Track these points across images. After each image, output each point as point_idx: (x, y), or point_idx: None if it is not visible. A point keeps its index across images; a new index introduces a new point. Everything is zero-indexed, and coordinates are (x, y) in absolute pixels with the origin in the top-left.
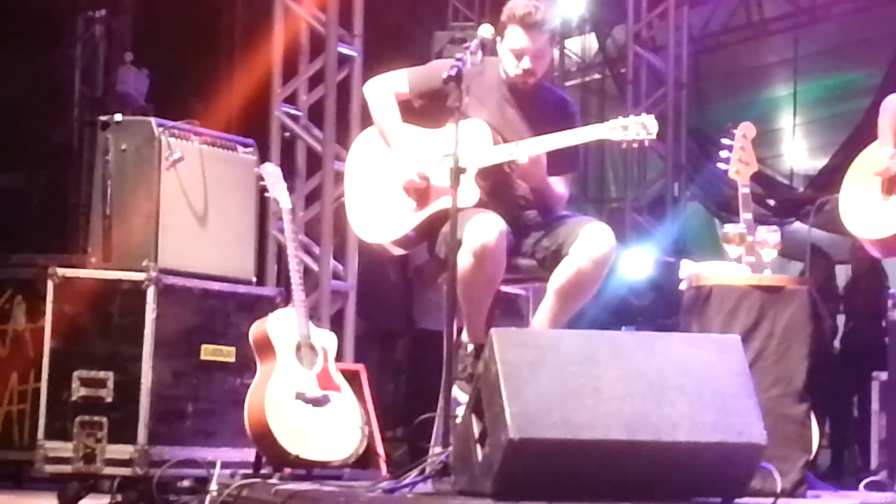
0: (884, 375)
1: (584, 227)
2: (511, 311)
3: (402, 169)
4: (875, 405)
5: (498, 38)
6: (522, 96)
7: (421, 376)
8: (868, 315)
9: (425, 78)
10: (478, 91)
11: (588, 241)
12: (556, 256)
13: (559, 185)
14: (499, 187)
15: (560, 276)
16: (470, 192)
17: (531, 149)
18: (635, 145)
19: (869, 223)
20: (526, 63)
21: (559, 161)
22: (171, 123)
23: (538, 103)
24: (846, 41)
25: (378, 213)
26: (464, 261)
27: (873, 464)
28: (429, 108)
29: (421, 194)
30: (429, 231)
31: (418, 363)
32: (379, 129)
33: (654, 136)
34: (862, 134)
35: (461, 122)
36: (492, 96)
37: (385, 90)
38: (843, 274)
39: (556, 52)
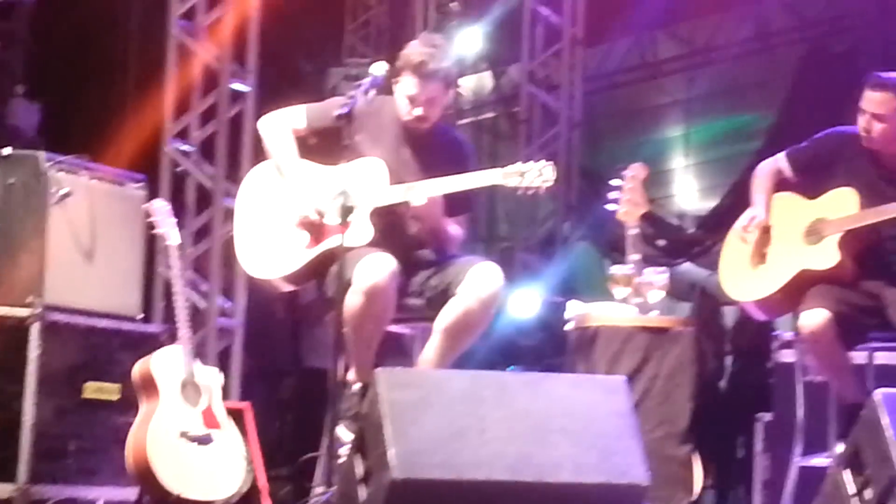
0: (768, 416)
1: (473, 266)
2: (398, 351)
3: (300, 206)
4: (759, 446)
5: (394, 81)
6: (417, 137)
7: (307, 415)
8: (754, 356)
9: (321, 114)
10: (373, 129)
11: (476, 281)
12: (444, 296)
13: (454, 226)
14: (391, 227)
15: (448, 316)
16: (363, 230)
17: (426, 191)
18: (531, 192)
19: (746, 287)
20: (418, 111)
21: (454, 202)
22: (60, 158)
23: (433, 144)
24: (739, 83)
25: (269, 249)
26: (353, 300)
27: None
28: (324, 144)
29: (314, 231)
30: (319, 268)
31: (305, 401)
32: (276, 165)
33: (550, 184)
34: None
35: (359, 161)
36: (387, 135)
37: (282, 126)
38: (730, 315)
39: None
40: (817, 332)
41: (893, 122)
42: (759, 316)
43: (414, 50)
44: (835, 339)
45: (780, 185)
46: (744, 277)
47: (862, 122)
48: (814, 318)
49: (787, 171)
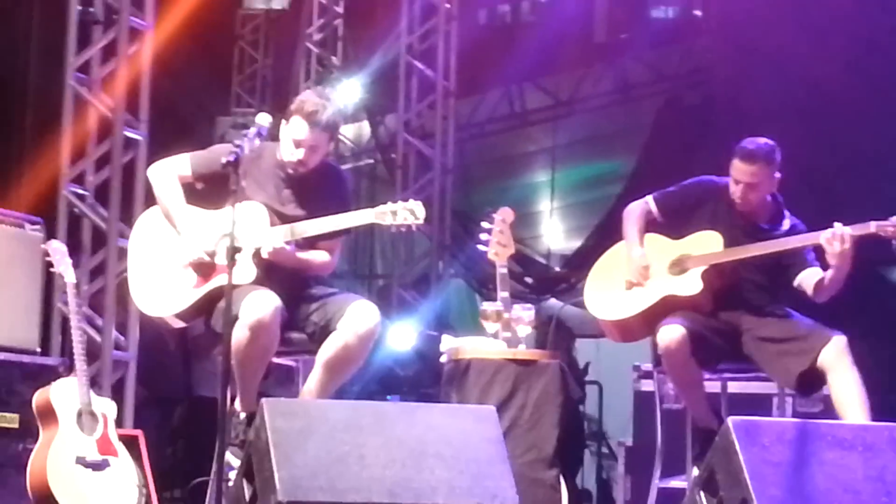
0: (629, 441)
1: (351, 304)
2: (282, 381)
3: (188, 248)
4: (621, 468)
5: (283, 122)
6: (298, 178)
7: (198, 441)
8: None
9: (206, 162)
10: (256, 174)
11: (354, 318)
12: (324, 331)
13: (324, 254)
14: (273, 266)
15: (328, 350)
16: (247, 270)
17: (307, 229)
18: (403, 229)
19: (610, 307)
20: (300, 153)
21: (330, 232)
22: None
23: (313, 180)
24: (600, 132)
25: (160, 289)
26: (240, 334)
27: None
28: (210, 190)
29: (202, 271)
30: (207, 306)
31: (195, 429)
32: (163, 210)
33: (421, 222)
34: (614, 218)
35: (242, 204)
36: (269, 179)
37: (169, 173)
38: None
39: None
40: (672, 346)
41: (764, 188)
42: (616, 338)
43: (308, 98)
44: (689, 354)
45: (647, 224)
46: (608, 299)
47: (737, 191)
48: (671, 332)
49: (655, 212)
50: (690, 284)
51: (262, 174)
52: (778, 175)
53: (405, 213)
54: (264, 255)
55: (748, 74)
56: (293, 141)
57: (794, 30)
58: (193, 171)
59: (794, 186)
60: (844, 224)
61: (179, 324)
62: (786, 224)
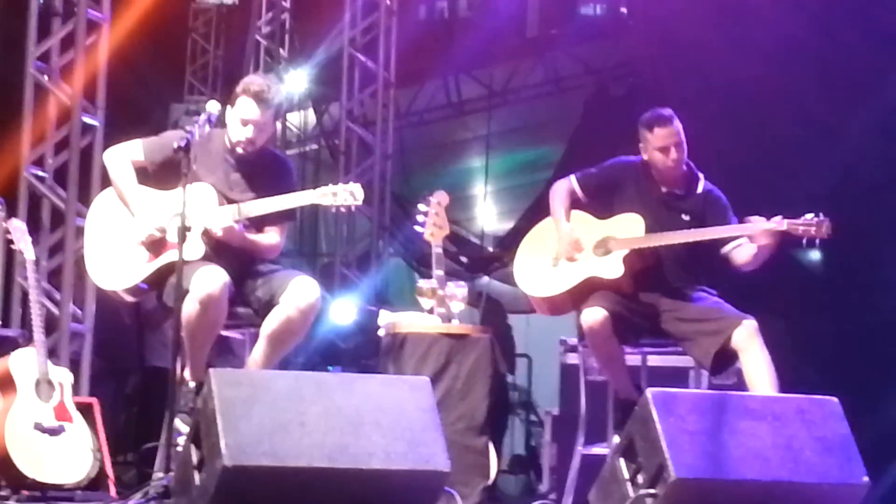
0: (555, 410)
1: (293, 280)
2: (229, 353)
3: (141, 224)
4: (547, 436)
5: (229, 106)
6: (245, 160)
7: (149, 409)
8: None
9: (158, 147)
10: (205, 159)
11: (296, 293)
12: (268, 306)
13: (271, 236)
14: (221, 243)
15: (271, 323)
16: (196, 247)
17: (252, 209)
18: (343, 209)
19: (539, 283)
20: (249, 132)
21: (276, 214)
22: None
23: (260, 166)
24: (532, 121)
25: (113, 265)
26: (190, 307)
27: (545, 488)
28: (162, 172)
29: (153, 248)
30: (158, 281)
31: (147, 397)
32: (117, 192)
33: (360, 202)
34: (544, 201)
35: (192, 185)
36: (218, 164)
37: (122, 158)
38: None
39: (278, 125)
40: (595, 327)
41: (684, 143)
42: (545, 312)
43: (255, 80)
44: (610, 333)
45: (572, 203)
46: (537, 275)
47: (671, 154)
48: (593, 314)
49: (578, 192)
50: (612, 268)
51: (210, 159)
52: None
53: (345, 194)
54: (216, 233)
55: (670, 68)
56: (241, 120)
57: (714, 27)
58: (146, 155)
59: (712, 171)
60: (762, 207)
61: (132, 298)
62: (700, 187)
